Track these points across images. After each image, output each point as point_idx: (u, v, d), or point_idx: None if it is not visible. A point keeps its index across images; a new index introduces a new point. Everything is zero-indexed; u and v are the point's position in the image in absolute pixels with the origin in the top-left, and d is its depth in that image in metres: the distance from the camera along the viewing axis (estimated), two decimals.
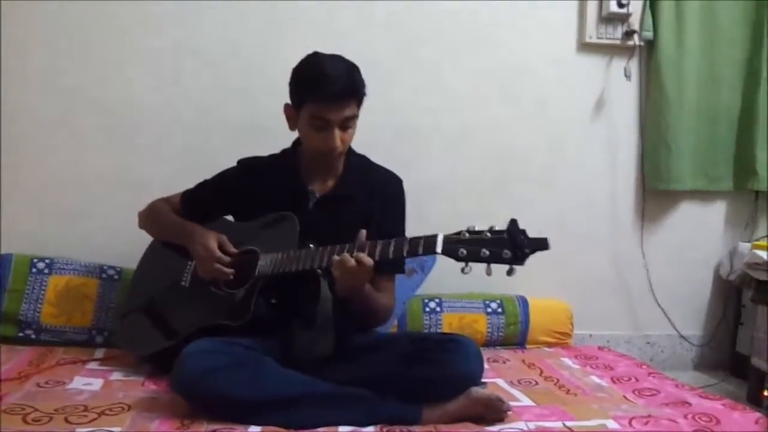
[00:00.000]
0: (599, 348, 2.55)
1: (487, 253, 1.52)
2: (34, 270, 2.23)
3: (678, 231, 2.84)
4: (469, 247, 1.53)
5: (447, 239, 1.56)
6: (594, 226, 2.78)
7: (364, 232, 1.70)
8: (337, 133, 1.83)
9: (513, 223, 1.53)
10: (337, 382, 1.69)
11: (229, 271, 1.85)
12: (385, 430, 1.59)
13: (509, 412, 1.69)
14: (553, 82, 2.71)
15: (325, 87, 1.79)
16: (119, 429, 1.50)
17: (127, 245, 2.22)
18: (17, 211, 2.38)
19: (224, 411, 1.58)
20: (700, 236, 2.85)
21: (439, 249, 1.56)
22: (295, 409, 1.60)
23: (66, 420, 1.54)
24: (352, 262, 1.65)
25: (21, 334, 2.18)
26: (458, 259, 1.54)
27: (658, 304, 2.78)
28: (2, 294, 2.18)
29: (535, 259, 2.58)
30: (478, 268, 1.53)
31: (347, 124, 1.86)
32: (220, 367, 1.60)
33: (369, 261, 1.65)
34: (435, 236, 1.58)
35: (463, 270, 1.54)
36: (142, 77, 2.46)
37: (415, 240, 1.62)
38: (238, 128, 2.46)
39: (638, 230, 2.80)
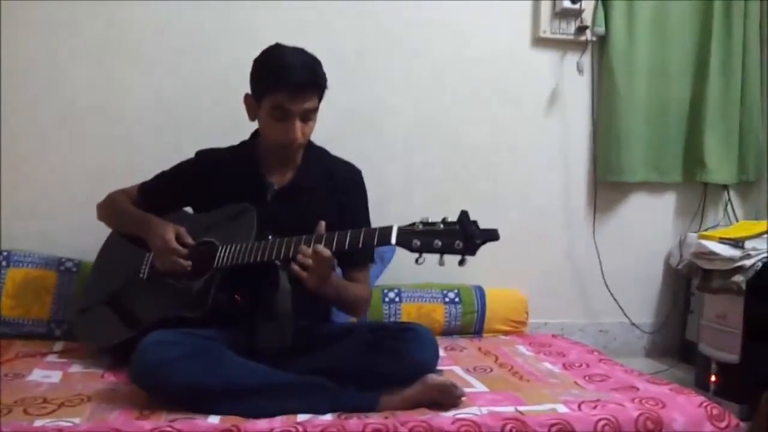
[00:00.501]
0: (553, 336, 2.62)
1: (440, 243, 1.56)
2: None
3: (629, 221, 2.90)
4: (423, 238, 1.57)
5: (401, 231, 1.60)
6: (548, 217, 2.83)
7: (323, 223, 1.73)
8: (298, 124, 1.85)
9: (464, 214, 1.58)
10: (298, 371, 1.71)
11: (186, 263, 1.86)
12: (343, 417, 1.61)
13: (463, 398, 1.72)
14: (508, 76, 2.75)
15: (287, 78, 1.80)
16: (78, 420, 1.51)
17: (85, 238, 2.21)
18: None
19: (183, 400, 1.59)
20: (651, 227, 2.91)
21: (393, 240, 1.59)
22: (254, 397, 1.62)
23: (25, 411, 1.54)
24: (309, 253, 1.67)
25: None
26: (412, 249, 1.58)
27: (611, 293, 2.83)
28: None
29: (492, 251, 2.61)
30: (433, 258, 1.57)
31: (308, 116, 1.87)
32: (178, 357, 1.61)
33: (326, 252, 1.67)
34: (390, 227, 1.61)
35: (417, 261, 1.58)
36: (81, 64, 2.45)
37: (369, 231, 1.65)
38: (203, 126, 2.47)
39: (590, 221, 2.85)
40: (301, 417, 1.60)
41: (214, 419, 1.56)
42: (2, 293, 2.18)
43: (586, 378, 2.03)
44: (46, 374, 1.84)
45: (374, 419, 1.59)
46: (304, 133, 1.88)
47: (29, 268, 2.24)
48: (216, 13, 2.51)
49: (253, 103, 1.91)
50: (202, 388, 1.59)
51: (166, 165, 2.10)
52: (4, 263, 2.22)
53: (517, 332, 2.61)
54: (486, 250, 2.50)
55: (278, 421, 1.56)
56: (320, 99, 1.90)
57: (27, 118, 2.41)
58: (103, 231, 2.17)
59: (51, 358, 2.00)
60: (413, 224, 1.60)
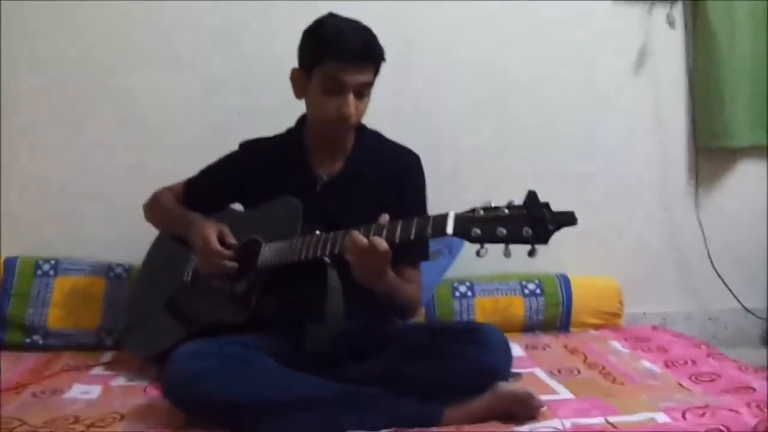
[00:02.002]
0: (653, 328, 2.35)
1: (505, 232, 1.33)
2: (39, 272, 2.14)
3: (737, 193, 2.62)
4: (484, 226, 1.34)
5: (459, 218, 1.37)
6: (642, 192, 2.59)
7: (386, 216, 1.51)
8: (352, 99, 1.67)
9: (531, 195, 1.33)
10: (349, 381, 1.54)
11: (230, 264, 1.71)
12: None
13: (543, 409, 1.51)
14: (588, 38, 2.51)
15: (344, 44, 1.64)
16: None
17: (134, 241, 2.10)
18: (19, 212, 2.30)
19: (219, 417, 1.45)
20: (763, 198, 2.61)
21: (449, 230, 1.37)
22: (299, 413, 1.45)
23: None
24: (365, 240, 1.47)
25: (28, 340, 2.09)
26: (472, 240, 1.35)
27: (719, 276, 2.56)
28: (7, 299, 2.10)
29: (577, 234, 2.36)
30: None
31: (363, 91, 1.70)
32: (210, 369, 1.47)
33: (383, 245, 1.46)
34: (445, 215, 1.39)
35: (478, 252, 1.36)
36: (142, 70, 2.36)
37: (422, 220, 1.43)
38: (247, 116, 2.33)
39: (692, 194, 2.59)
40: None
41: None
42: (50, 304, 2.11)
43: (693, 378, 1.78)
44: (85, 390, 1.73)
45: None
46: (357, 111, 1.70)
47: (77, 276, 2.16)
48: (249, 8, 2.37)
49: (302, 77, 1.74)
50: (238, 402, 1.44)
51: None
52: (51, 272, 2.15)
53: (611, 325, 2.36)
54: (570, 233, 2.24)
55: None
56: (376, 74, 1.72)
57: (71, 122, 2.34)
58: (153, 232, 2.06)
59: (96, 370, 1.90)
60: (473, 210, 1.37)
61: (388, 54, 1.72)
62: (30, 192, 2.32)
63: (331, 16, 1.72)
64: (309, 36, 1.73)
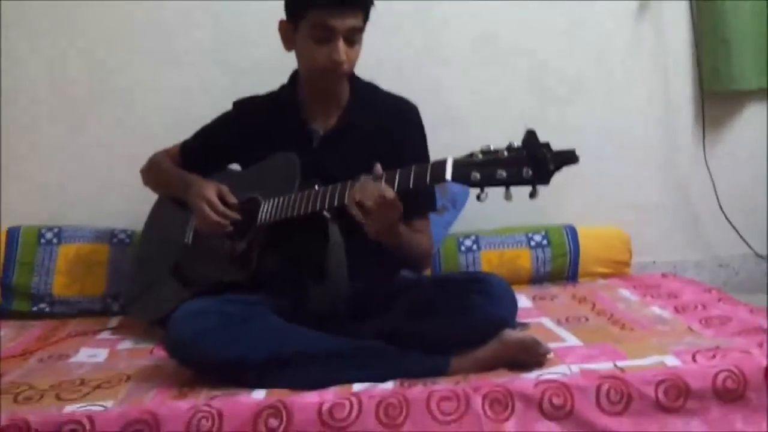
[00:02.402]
0: (662, 275, 2.31)
1: (504, 174, 1.30)
2: (42, 241, 2.14)
3: (745, 137, 2.55)
4: (484, 169, 1.31)
5: (457, 163, 1.35)
6: (648, 139, 2.52)
7: (378, 165, 1.49)
8: (342, 45, 1.63)
9: (530, 135, 1.30)
10: (355, 335, 1.52)
11: (225, 222, 1.69)
12: (405, 385, 1.40)
13: (549, 355, 1.49)
14: None
15: None
16: (111, 402, 1.37)
17: (136, 205, 2.08)
18: (20, 182, 2.29)
19: (224, 374, 1.44)
20: None
21: (449, 175, 1.35)
22: (302, 367, 1.44)
23: (57, 397, 1.41)
24: (372, 194, 1.42)
25: (35, 309, 2.09)
26: (471, 184, 1.33)
27: (729, 221, 2.50)
28: (12, 268, 2.09)
29: (583, 182, 2.35)
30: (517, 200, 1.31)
31: (353, 37, 1.65)
32: (213, 328, 1.45)
33: (390, 192, 1.42)
34: (443, 161, 1.36)
35: (478, 197, 1.33)
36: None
37: (420, 168, 1.41)
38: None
39: (699, 140, 2.52)
40: (358, 387, 1.40)
41: (258, 394, 1.38)
42: (55, 271, 2.11)
43: (703, 322, 1.75)
44: (92, 353, 1.73)
45: (442, 385, 1.38)
46: (349, 58, 1.66)
47: (81, 243, 2.15)
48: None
49: (290, 29, 1.69)
50: (244, 359, 1.43)
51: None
52: (55, 240, 2.14)
53: (620, 274, 2.32)
54: (576, 182, 2.24)
55: (331, 393, 1.37)
56: (366, 19, 1.67)
57: (67, 93, 2.32)
58: (153, 198, 2.04)
59: (103, 335, 1.90)
60: (471, 154, 1.35)
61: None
62: (30, 163, 2.31)
63: None
64: None
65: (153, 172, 1.97)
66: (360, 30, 1.66)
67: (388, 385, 1.41)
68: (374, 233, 1.49)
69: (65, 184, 2.31)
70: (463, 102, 2.42)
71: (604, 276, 2.30)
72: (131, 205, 2.16)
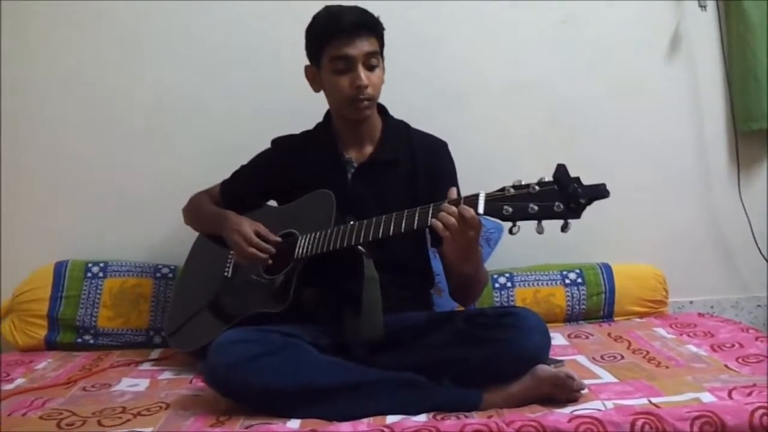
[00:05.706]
0: (699, 315, 2.28)
1: (536, 208, 1.33)
2: (89, 274, 2.21)
3: None
4: (515, 203, 1.35)
5: (489, 197, 1.39)
6: (683, 178, 2.49)
7: (454, 189, 1.50)
8: (362, 70, 1.71)
9: (561, 169, 1.33)
10: (388, 368, 1.54)
11: (264, 256, 1.74)
12: (439, 417, 1.41)
13: (584, 391, 1.49)
14: (617, 23, 2.44)
15: (339, 22, 1.71)
16: (150, 429, 1.40)
17: (181, 243, 2.13)
18: (70, 218, 2.36)
19: (260, 403, 1.47)
20: None
21: (481, 209, 1.39)
22: (337, 398, 1.46)
23: (99, 423, 1.46)
24: (453, 211, 1.42)
25: (79, 340, 2.15)
26: (503, 218, 1.36)
27: (767, 260, 2.45)
28: (59, 301, 2.16)
29: (618, 221, 2.33)
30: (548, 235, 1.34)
31: (371, 61, 1.73)
32: (252, 357, 1.48)
33: (469, 211, 1.40)
34: (476, 195, 1.41)
35: (511, 230, 1.37)
36: (174, 75, 2.38)
37: (454, 202, 1.44)
38: (277, 120, 2.26)
39: (734, 178, 2.49)
40: (391, 419, 1.41)
41: (293, 424, 1.41)
42: (100, 304, 2.17)
43: (740, 360, 1.73)
44: (133, 383, 1.78)
45: (475, 419, 1.37)
46: (371, 82, 1.74)
47: (126, 277, 2.22)
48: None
49: (314, 71, 1.80)
50: (278, 388, 1.46)
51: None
52: (101, 274, 2.21)
53: (656, 313, 2.29)
54: (611, 221, 2.25)
55: (364, 424, 1.39)
56: (381, 45, 1.77)
57: (115, 125, 2.38)
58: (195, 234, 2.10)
59: (145, 366, 1.95)
60: (503, 189, 1.39)
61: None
62: (80, 199, 2.36)
63: (325, 8, 1.78)
64: (308, 30, 1.80)
65: (193, 212, 2.05)
66: (376, 54, 1.75)
67: (422, 418, 1.41)
68: (455, 255, 1.49)
69: (113, 220, 2.37)
70: (491, 141, 2.42)
71: (641, 315, 2.28)
72: (175, 242, 2.22)
